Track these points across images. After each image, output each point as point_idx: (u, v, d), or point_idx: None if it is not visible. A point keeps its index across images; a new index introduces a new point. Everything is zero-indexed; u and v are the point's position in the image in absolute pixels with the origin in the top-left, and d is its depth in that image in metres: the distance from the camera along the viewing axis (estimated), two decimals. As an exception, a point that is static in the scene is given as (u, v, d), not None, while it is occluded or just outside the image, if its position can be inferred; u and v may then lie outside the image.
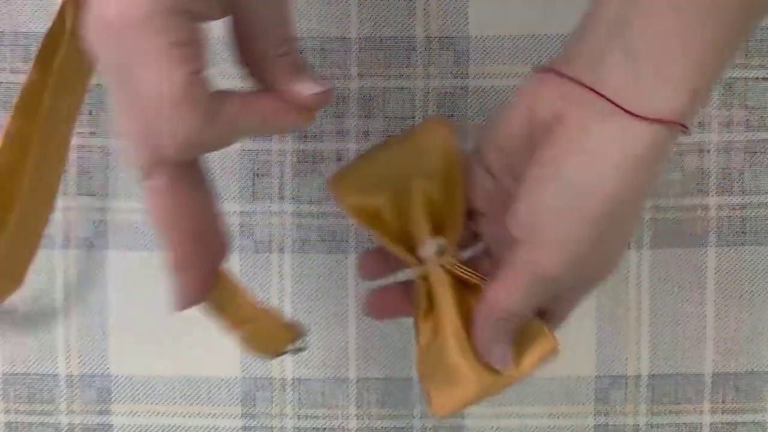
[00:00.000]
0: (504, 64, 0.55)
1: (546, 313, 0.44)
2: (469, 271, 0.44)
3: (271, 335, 0.44)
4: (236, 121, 0.37)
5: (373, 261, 0.48)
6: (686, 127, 0.38)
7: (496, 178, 0.44)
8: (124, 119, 0.36)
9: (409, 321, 0.56)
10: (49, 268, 0.56)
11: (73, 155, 0.55)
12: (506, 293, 0.42)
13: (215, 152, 0.55)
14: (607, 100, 0.38)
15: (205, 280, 0.40)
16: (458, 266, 0.44)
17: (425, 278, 0.45)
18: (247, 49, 0.38)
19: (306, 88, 0.39)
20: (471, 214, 0.45)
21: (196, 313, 0.56)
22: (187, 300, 0.40)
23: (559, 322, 0.45)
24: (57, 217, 0.56)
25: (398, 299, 0.47)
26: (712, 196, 0.55)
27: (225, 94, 0.37)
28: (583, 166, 0.38)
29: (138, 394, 0.56)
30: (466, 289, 0.45)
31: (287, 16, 0.38)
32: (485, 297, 0.43)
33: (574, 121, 0.39)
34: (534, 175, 0.40)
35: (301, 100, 0.39)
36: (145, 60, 0.34)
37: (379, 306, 0.47)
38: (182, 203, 0.38)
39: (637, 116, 0.37)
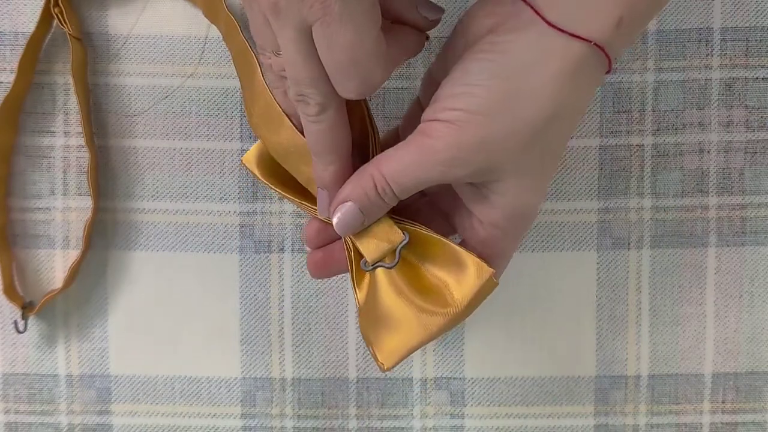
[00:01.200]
0: (504, 64, 0.55)
1: (486, 247, 0.44)
2: (396, 218, 0.44)
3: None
4: (397, 60, 0.43)
5: (314, 231, 0.48)
6: (607, 56, 0.40)
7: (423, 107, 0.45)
8: (316, 62, 0.41)
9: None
10: (50, 268, 0.56)
11: (73, 155, 0.55)
12: (400, 159, 0.42)
13: (215, 152, 0.55)
14: (532, 8, 0.40)
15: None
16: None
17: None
18: None
19: (427, 15, 0.44)
20: None
21: (196, 313, 0.56)
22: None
23: (499, 259, 0.45)
24: (57, 217, 0.56)
25: (336, 256, 0.47)
26: (712, 196, 0.56)
27: (384, 41, 0.41)
28: (504, 62, 0.40)
29: (138, 394, 0.56)
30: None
31: None
32: (381, 156, 0.43)
33: (503, 29, 0.41)
34: (459, 65, 0.42)
35: (423, 26, 0.44)
36: (342, 22, 0.39)
37: (318, 264, 0.47)
38: (344, 130, 0.43)
39: (556, 28, 0.40)
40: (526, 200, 0.43)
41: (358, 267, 0.45)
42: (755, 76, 0.55)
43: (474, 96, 0.40)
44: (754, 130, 0.55)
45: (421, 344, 0.43)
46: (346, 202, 0.43)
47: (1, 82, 0.55)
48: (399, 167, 0.42)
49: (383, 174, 0.42)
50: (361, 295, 0.45)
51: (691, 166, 0.55)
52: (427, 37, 0.45)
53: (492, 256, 0.44)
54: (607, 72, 0.41)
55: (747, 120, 0.55)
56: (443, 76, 0.43)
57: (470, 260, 0.43)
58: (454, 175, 0.41)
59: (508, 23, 0.41)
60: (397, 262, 0.44)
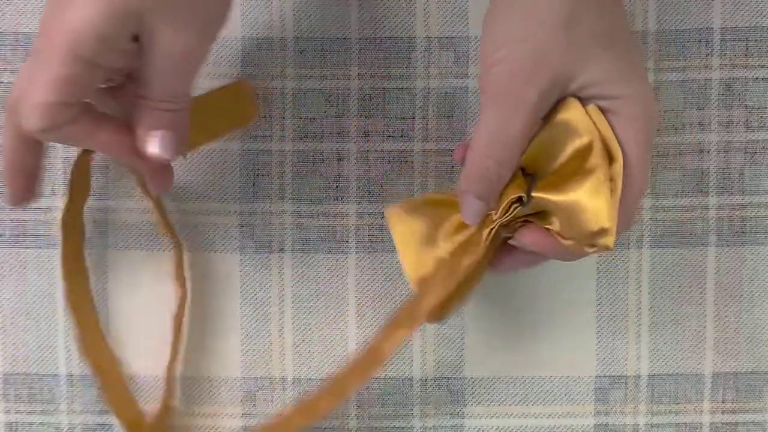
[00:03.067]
0: (504, 64, 0.55)
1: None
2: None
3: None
4: (70, 139, 0.44)
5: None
6: None
7: None
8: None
9: (409, 321, 0.56)
10: (50, 268, 0.56)
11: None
12: (492, 125, 0.43)
13: (215, 152, 0.55)
14: None
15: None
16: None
17: None
18: (137, 89, 0.44)
19: (149, 146, 0.44)
20: None
21: (196, 313, 0.56)
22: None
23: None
24: (57, 218, 0.56)
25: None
26: (712, 196, 0.56)
27: (78, 120, 0.42)
28: None
29: (138, 394, 0.56)
30: None
31: (179, 81, 0.44)
32: (474, 138, 0.44)
33: None
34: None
35: (144, 153, 0.44)
36: (42, 70, 0.41)
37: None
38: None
39: None
40: (640, 91, 0.43)
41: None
42: (755, 76, 0.55)
43: (515, 23, 0.42)
44: (754, 130, 0.55)
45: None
46: (464, 194, 0.45)
47: (2, 82, 0.55)
48: (491, 137, 0.43)
49: (485, 155, 0.43)
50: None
51: (691, 166, 0.55)
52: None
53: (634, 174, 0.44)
54: None
55: (747, 120, 0.55)
56: None
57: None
58: (545, 96, 0.42)
59: None
60: (529, 200, 0.45)
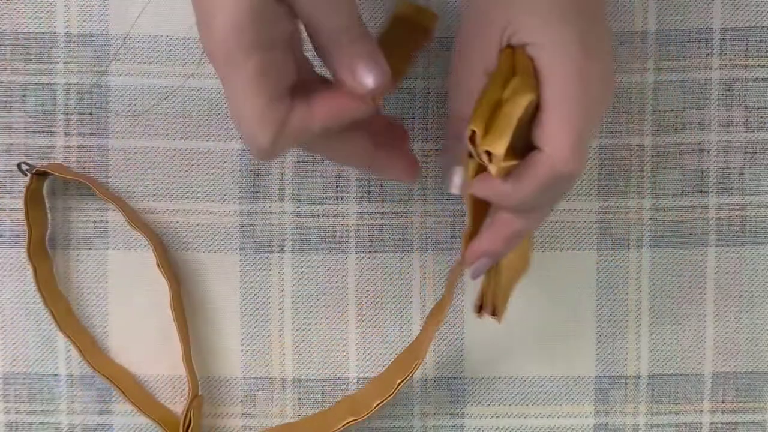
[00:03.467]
0: (504, 64, 0.55)
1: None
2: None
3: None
4: (300, 132, 0.42)
5: None
6: None
7: None
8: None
9: (408, 321, 0.56)
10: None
11: (73, 155, 0.55)
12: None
13: (215, 152, 0.55)
14: None
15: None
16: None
17: None
18: (314, 47, 0.43)
19: (362, 83, 0.42)
20: None
21: (196, 313, 0.56)
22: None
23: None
24: (57, 218, 0.56)
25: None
26: (712, 196, 0.56)
27: (292, 107, 0.42)
28: None
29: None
30: None
31: (340, 8, 0.42)
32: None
33: None
34: None
35: (360, 93, 0.43)
36: (234, 88, 0.41)
37: None
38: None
39: None
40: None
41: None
42: (755, 76, 0.55)
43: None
44: (753, 130, 0.55)
45: None
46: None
47: (1, 82, 0.55)
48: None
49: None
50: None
51: (691, 166, 0.55)
52: (375, 101, 0.43)
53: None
54: None
55: (747, 120, 0.55)
56: None
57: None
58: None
59: None
60: None
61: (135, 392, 0.55)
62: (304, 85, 0.43)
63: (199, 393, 0.56)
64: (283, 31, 0.41)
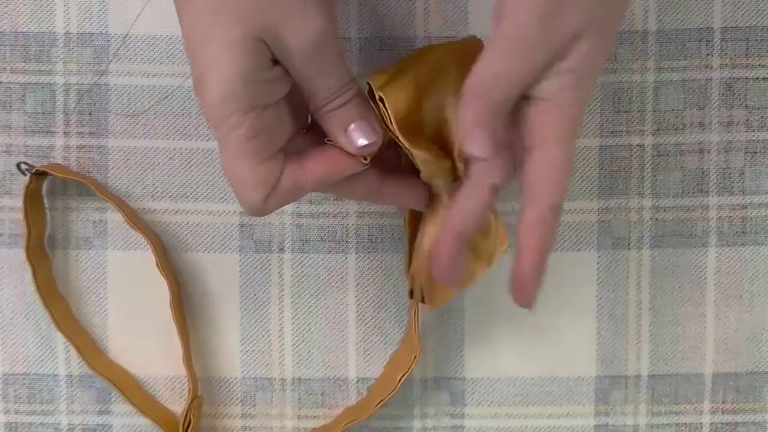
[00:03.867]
0: (504, 64, 0.55)
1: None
2: None
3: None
4: (293, 191, 0.43)
5: None
6: None
7: None
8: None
9: (407, 321, 0.56)
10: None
11: (72, 155, 0.55)
12: (495, 60, 0.41)
13: (215, 152, 0.55)
14: None
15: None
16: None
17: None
18: (309, 106, 0.44)
19: (353, 144, 0.44)
20: None
21: (196, 313, 0.56)
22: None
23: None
24: (57, 217, 0.56)
25: None
26: (712, 196, 0.55)
27: (284, 167, 0.43)
28: None
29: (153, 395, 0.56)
30: None
31: (333, 71, 0.43)
32: (472, 72, 0.41)
33: None
34: None
35: (352, 152, 0.44)
36: (226, 149, 0.42)
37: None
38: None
39: None
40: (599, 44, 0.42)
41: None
42: (755, 76, 0.55)
43: None
44: (754, 130, 0.55)
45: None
46: (471, 133, 0.42)
47: (1, 82, 0.55)
48: (500, 70, 0.41)
49: (491, 83, 0.41)
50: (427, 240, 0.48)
51: (691, 166, 0.55)
52: (366, 159, 0.44)
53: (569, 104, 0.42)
54: None
55: (747, 120, 0.55)
56: None
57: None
58: (550, 44, 0.40)
59: None
60: None
61: (135, 393, 0.55)
62: (299, 140, 0.44)
63: (199, 393, 0.56)
64: (278, 92, 0.42)
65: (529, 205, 0.42)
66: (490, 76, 0.41)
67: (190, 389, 0.54)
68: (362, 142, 0.44)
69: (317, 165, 0.44)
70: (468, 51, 0.46)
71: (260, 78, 0.41)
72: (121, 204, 0.54)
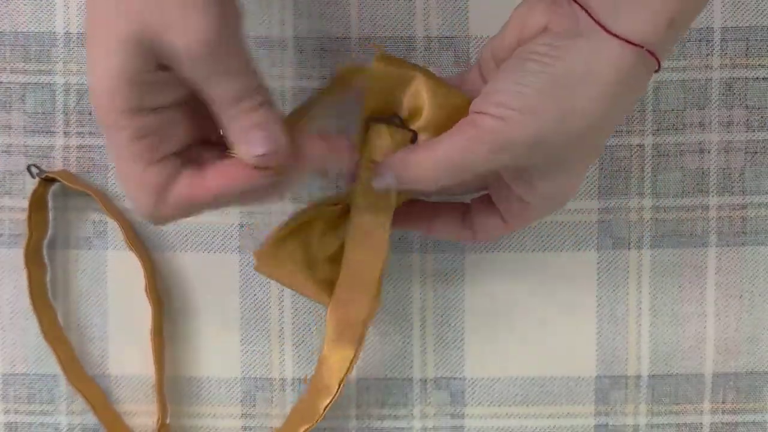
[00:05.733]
0: (504, 64, 0.55)
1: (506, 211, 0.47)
2: None
3: None
4: (187, 201, 0.41)
5: None
6: (657, 59, 0.41)
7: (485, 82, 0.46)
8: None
9: (408, 321, 0.56)
10: (50, 268, 0.56)
11: (72, 155, 0.55)
12: (453, 147, 0.43)
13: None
14: (591, 16, 0.41)
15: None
16: None
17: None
18: (214, 118, 0.42)
19: (249, 151, 0.41)
20: None
21: (196, 313, 0.56)
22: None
23: (521, 227, 0.48)
24: (57, 217, 0.56)
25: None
26: (712, 196, 0.55)
27: (179, 175, 0.41)
28: (560, 68, 0.41)
29: (137, 395, 0.56)
30: None
31: (231, 76, 0.40)
32: (432, 141, 0.44)
33: (560, 32, 0.42)
34: (513, 62, 0.43)
35: (251, 162, 0.41)
36: (113, 150, 0.41)
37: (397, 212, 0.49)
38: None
39: (614, 35, 0.40)
40: (565, 188, 0.45)
41: None
42: (755, 76, 0.55)
43: (526, 96, 0.41)
44: (754, 130, 0.55)
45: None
46: (387, 172, 0.45)
47: (1, 82, 0.55)
48: (444, 155, 0.43)
49: (431, 159, 0.44)
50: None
51: (691, 166, 0.55)
52: (268, 170, 0.41)
53: (517, 225, 0.47)
54: (656, 71, 0.42)
55: (747, 120, 0.55)
56: (492, 65, 0.45)
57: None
58: (498, 165, 0.43)
59: (564, 25, 0.42)
60: None
61: (106, 411, 0.55)
62: (201, 152, 0.42)
63: (167, 422, 0.55)
64: (169, 95, 0.41)
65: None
66: (435, 152, 0.44)
67: (159, 418, 0.54)
68: (258, 150, 0.40)
69: (215, 178, 0.41)
70: (451, 101, 0.46)
71: (146, 79, 0.39)
72: (122, 221, 0.54)
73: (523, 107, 0.41)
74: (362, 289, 0.49)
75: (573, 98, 0.41)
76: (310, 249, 0.49)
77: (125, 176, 0.41)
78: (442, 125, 0.45)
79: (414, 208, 0.50)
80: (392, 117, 0.47)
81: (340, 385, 0.50)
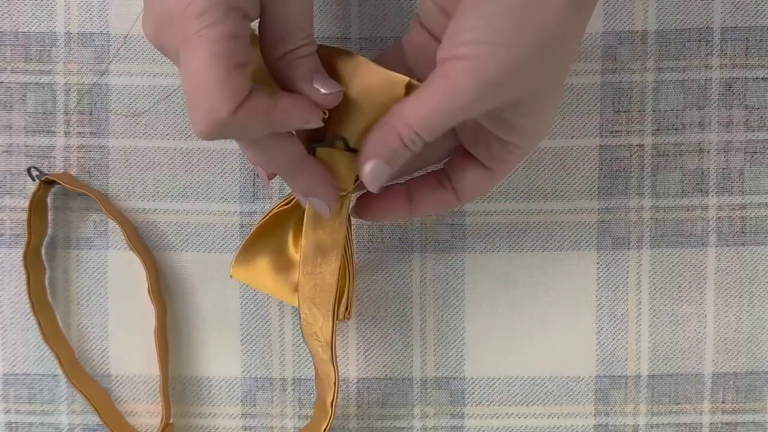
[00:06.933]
0: (504, 64, 0.55)
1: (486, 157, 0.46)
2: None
3: None
4: (259, 116, 0.41)
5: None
6: None
7: (431, 34, 0.46)
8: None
9: (408, 321, 0.56)
10: (49, 268, 0.56)
11: (73, 155, 0.55)
12: (423, 106, 0.42)
13: (215, 152, 0.55)
14: None
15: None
16: None
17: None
18: (273, 53, 0.43)
19: (321, 89, 0.43)
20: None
21: (196, 313, 0.56)
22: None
23: (506, 172, 0.47)
24: (58, 217, 0.56)
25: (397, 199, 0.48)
26: (712, 196, 0.56)
27: (256, 91, 0.41)
28: None
29: (138, 395, 0.56)
30: None
31: (309, 19, 0.42)
32: (402, 105, 0.43)
33: None
34: None
35: (317, 100, 0.43)
36: (198, 46, 0.39)
37: (373, 205, 0.48)
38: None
39: None
40: (541, 122, 0.44)
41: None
42: (755, 76, 0.55)
43: (495, 26, 0.40)
44: (754, 130, 0.55)
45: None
46: (371, 159, 0.43)
47: (2, 82, 0.55)
48: (424, 115, 0.42)
49: (410, 124, 0.42)
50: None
51: (691, 166, 0.55)
52: (324, 113, 0.44)
53: (501, 169, 0.46)
54: None
55: (747, 120, 0.55)
56: (436, 14, 0.44)
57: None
58: (481, 110, 0.42)
59: None
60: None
61: (108, 411, 0.55)
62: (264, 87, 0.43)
63: (171, 422, 0.55)
64: (255, 10, 0.41)
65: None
66: (413, 115, 0.42)
67: (163, 417, 0.54)
68: (330, 89, 0.43)
69: (287, 105, 0.42)
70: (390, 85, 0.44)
71: None
72: (124, 223, 0.54)
73: (496, 39, 0.40)
74: (321, 304, 0.48)
75: (537, 13, 0.40)
76: (283, 253, 0.50)
77: (204, 81, 0.39)
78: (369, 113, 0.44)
79: (388, 195, 0.48)
80: (334, 138, 0.46)
81: (332, 407, 0.50)
